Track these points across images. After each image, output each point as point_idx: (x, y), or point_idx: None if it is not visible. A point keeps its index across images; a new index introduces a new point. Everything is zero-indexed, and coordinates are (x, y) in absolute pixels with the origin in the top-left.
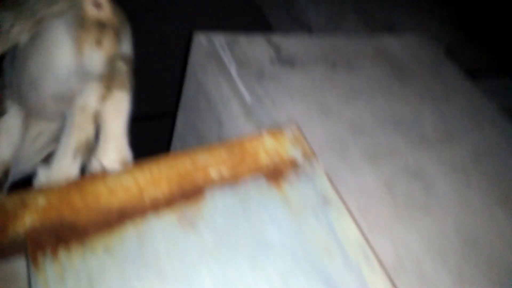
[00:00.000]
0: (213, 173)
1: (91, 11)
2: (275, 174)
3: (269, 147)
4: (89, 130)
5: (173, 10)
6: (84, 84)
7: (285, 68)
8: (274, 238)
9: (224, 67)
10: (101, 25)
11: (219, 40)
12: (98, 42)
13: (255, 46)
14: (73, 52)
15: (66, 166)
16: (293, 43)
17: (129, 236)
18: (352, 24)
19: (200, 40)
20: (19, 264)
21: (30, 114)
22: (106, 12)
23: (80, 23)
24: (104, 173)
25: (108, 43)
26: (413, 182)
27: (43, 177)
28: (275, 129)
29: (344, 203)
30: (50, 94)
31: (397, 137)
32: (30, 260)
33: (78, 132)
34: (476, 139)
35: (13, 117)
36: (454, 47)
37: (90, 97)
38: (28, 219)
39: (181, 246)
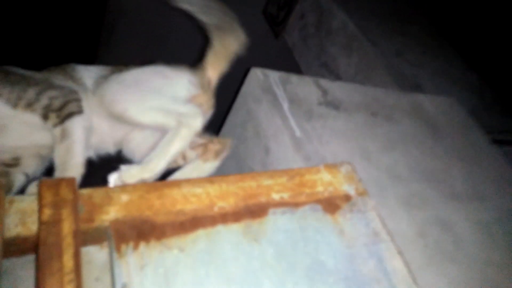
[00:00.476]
0: (276, 196)
1: None
2: (331, 205)
3: (326, 180)
4: (186, 144)
5: None
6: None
7: (330, 110)
8: (329, 261)
9: (277, 101)
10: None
11: (274, 77)
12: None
13: (305, 87)
14: None
15: (158, 169)
16: (338, 88)
17: (200, 240)
18: (381, 78)
19: (257, 75)
20: (94, 251)
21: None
22: None
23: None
24: (178, 181)
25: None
26: (443, 232)
27: (127, 175)
28: (331, 165)
29: (393, 240)
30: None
31: (429, 189)
32: (114, 249)
33: (180, 143)
34: (500, 202)
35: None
36: (479, 111)
37: (198, 119)
38: (112, 213)
39: (246, 256)
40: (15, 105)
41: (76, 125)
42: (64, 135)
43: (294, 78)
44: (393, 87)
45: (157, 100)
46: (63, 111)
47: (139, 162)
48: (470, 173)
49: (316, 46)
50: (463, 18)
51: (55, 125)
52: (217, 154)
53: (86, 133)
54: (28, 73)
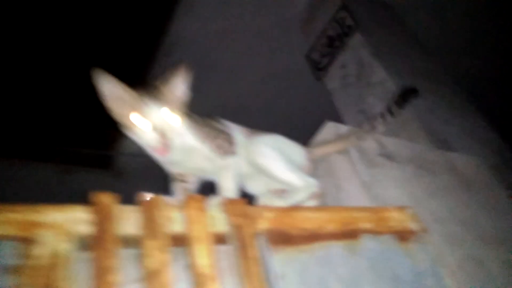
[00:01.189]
0: (362, 225)
1: None
2: (402, 236)
3: (397, 218)
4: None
5: None
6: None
7: (387, 161)
8: (403, 275)
9: (347, 151)
10: None
11: (344, 129)
12: None
13: (367, 138)
14: None
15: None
16: (391, 143)
17: (318, 249)
18: (415, 131)
19: (331, 127)
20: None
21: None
22: None
23: None
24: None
25: None
26: (477, 267)
27: (279, 202)
28: (400, 207)
29: (445, 266)
30: None
31: (464, 232)
32: (271, 247)
33: (300, 197)
34: None
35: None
36: (499, 166)
37: (316, 187)
38: (265, 224)
39: (347, 264)
40: (202, 142)
41: (233, 161)
42: (225, 167)
43: (358, 131)
44: (425, 140)
45: (289, 164)
46: (228, 150)
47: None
48: (493, 221)
49: (355, 95)
50: (485, 82)
51: (221, 158)
52: (319, 197)
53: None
54: (206, 119)
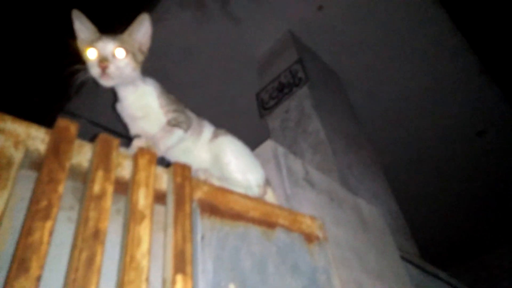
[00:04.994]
0: (280, 221)
1: None
2: (309, 238)
3: (308, 223)
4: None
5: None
6: None
7: (308, 186)
8: (302, 266)
9: (279, 167)
10: None
11: (281, 150)
12: None
13: (297, 164)
14: None
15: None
16: (315, 173)
17: (240, 227)
18: (332, 179)
19: (270, 145)
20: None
21: None
22: None
23: None
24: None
25: None
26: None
27: (211, 175)
28: (313, 217)
29: (337, 267)
30: None
31: (354, 259)
32: (200, 214)
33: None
34: None
35: None
36: (393, 229)
37: (257, 193)
38: (199, 194)
39: (261, 245)
40: (160, 105)
41: (178, 131)
42: (169, 131)
43: (291, 156)
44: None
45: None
46: (179, 125)
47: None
48: (380, 259)
49: (291, 138)
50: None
51: (168, 124)
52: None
53: (178, 140)
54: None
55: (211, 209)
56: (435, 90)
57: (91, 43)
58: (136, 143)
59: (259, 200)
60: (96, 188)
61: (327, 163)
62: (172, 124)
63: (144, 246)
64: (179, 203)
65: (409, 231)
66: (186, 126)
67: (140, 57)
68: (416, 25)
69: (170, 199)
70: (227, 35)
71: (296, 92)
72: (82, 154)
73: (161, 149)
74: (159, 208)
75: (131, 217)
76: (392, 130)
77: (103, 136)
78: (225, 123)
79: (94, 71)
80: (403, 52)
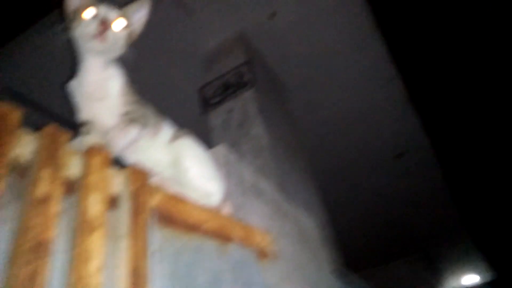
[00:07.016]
0: (234, 235)
1: None
2: (262, 254)
3: (261, 239)
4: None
5: None
6: None
7: (256, 195)
8: (253, 278)
9: (231, 175)
10: None
11: (233, 157)
12: None
13: (247, 172)
14: None
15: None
16: (263, 183)
17: (196, 239)
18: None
19: (222, 151)
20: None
21: None
22: None
23: None
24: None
25: None
26: None
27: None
28: (267, 233)
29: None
30: None
31: (294, 271)
32: (157, 224)
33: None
34: None
35: None
36: (327, 236)
37: (215, 201)
38: (154, 201)
39: (215, 259)
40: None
41: (133, 130)
42: (123, 128)
43: (244, 163)
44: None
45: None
46: (135, 120)
47: None
48: (318, 269)
49: (232, 139)
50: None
51: (123, 117)
52: None
53: (135, 137)
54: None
55: (166, 219)
56: (366, 112)
57: (92, 3)
58: (89, 140)
59: (214, 211)
60: (41, 190)
61: (268, 169)
62: (127, 119)
63: (94, 263)
64: (136, 212)
65: (336, 242)
66: (142, 124)
67: (129, 40)
68: (357, 50)
69: (125, 207)
70: (177, 23)
71: (242, 94)
72: (22, 145)
73: (115, 149)
74: (109, 215)
75: (78, 228)
76: (325, 141)
77: (51, 128)
78: (162, 113)
79: (88, 29)
80: (344, 70)
